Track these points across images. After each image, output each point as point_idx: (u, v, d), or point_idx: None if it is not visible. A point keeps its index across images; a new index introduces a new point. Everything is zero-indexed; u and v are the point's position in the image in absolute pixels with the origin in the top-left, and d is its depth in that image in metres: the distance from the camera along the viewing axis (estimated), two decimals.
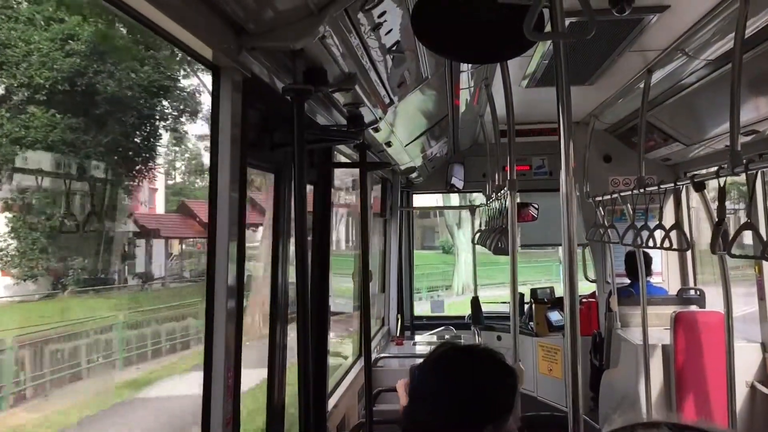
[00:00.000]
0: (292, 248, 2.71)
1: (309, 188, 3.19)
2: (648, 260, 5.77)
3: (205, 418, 1.88)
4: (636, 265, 5.15)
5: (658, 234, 3.93)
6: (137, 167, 12.69)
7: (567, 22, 2.28)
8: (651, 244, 4.00)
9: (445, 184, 7.02)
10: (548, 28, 1.94)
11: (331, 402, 3.72)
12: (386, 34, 2.43)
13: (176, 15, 1.60)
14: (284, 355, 2.72)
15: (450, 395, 1.77)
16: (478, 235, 6.67)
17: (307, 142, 2.14)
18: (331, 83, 2.41)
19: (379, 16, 2.20)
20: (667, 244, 3.84)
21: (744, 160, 2.71)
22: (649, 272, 5.82)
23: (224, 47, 1.85)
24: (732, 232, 2.89)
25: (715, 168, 3.02)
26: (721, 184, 3.04)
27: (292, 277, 2.69)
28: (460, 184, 7.04)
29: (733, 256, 2.95)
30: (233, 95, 1.94)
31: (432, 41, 2.06)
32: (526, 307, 7.03)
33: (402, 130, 4.27)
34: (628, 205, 4.72)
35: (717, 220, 2.99)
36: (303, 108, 2.04)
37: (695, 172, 3.53)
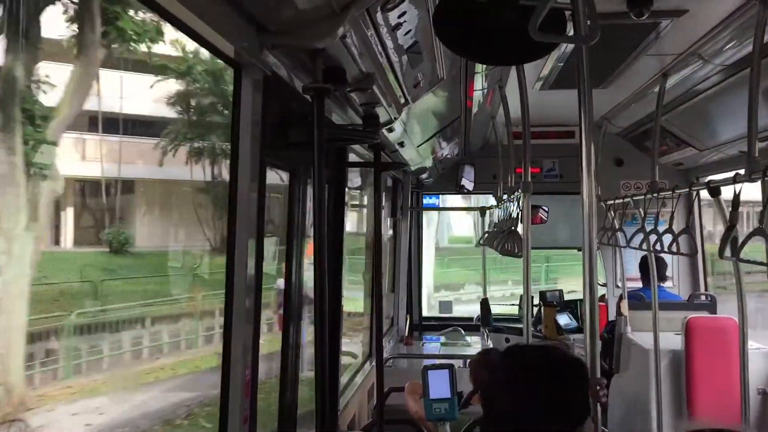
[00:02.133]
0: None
1: None
2: (662, 265, 5.75)
3: (223, 415, 1.88)
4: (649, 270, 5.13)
5: (666, 238, 3.91)
6: None
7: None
8: (659, 248, 3.98)
9: (455, 185, 7.01)
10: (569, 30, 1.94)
11: (342, 401, 3.72)
12: (405, 35, 2.43)
13: (200, 12, 1.61)
14: (297, 354, 2.72)
15: (563, 385, 1.78)
16: (485, 236, 6.66)
17: (325, 142, 2.14)
18: (349, 82, 2.41)
19: (399, 17, 2.20)
20: (675, 248, 3.82)
21: (762, 166, 2.70)
22: (663, 277, 5.80)
23: (246, 45, 1.86)
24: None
25: (732, 173, 3.01)
26: (737, 191, 3.02)
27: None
28: (470, 186, 7.03)
29: (742, 260, 2.93)
30: (254, 93, 1.94)
31: (453, 41, 2.06)
32: (535, 309, 7.02)
33: (415, 130, 4.27)
34: (641, 209, 4.70)
35: (728, 225, 2.97)
36: (323, 107, 2.04)
37: (711, 177, 3.51)
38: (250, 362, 1.95)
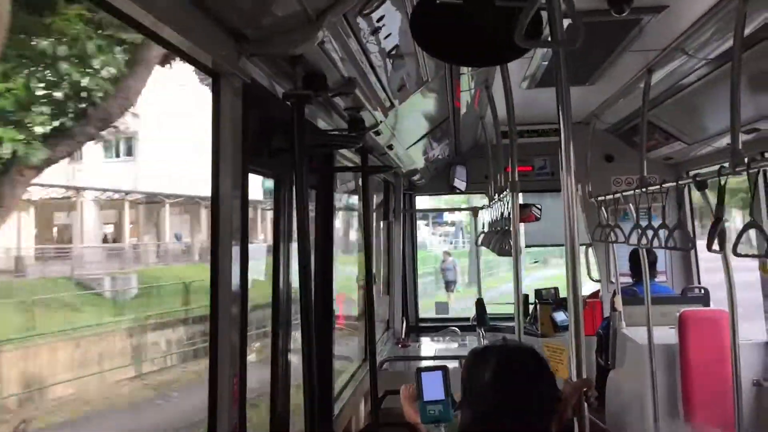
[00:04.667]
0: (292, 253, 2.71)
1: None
2: (653, 259, 5.76)
3: (212, 425, 1.88)
4: (640, 264, 5.15)
5: (662, 233, 3.92)
6: None
7: (566, 23, 2.29)
8: (656, 243, 3.99)
9: (447, 185, 7.02)
10: (546, 30, 1.95)
11: (338, 405, 3.72)
12: (385, 38, 2.43)
13: (175, 23, 1.61)
14: (287, 360, 2.72)
15: (532, 390, 1.80)
16: (481, 236, 6.67)
17: (307, 147, 2.15)
18: (331, 88, 2.42)
19: (378, 20, 2.21)
20: (671, 243, 3.83)
21: (746, 159, 2.71)
22: (653, 272, 5.81)
23: (224, 54, 1.86)
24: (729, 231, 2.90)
25: (717, 167, 3.02)
26: (722, 183, 3.03)
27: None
28: (462, 186, 7.03)
29: (738, 254, 2.94)
30: (233, 101, 1.95)
31: (431, 45, 2.06)
32: (531, 307, 7.03)
33: (403, 132, 4.27)
34: (631, 204, 4.71)
35: (715, 218, 2.99)
36: (303, 113, 2.05)
37: (697, 171, 3.53)
38: (237, 370, 1.95)
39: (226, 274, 1.92)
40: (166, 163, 25.10)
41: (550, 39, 1.90)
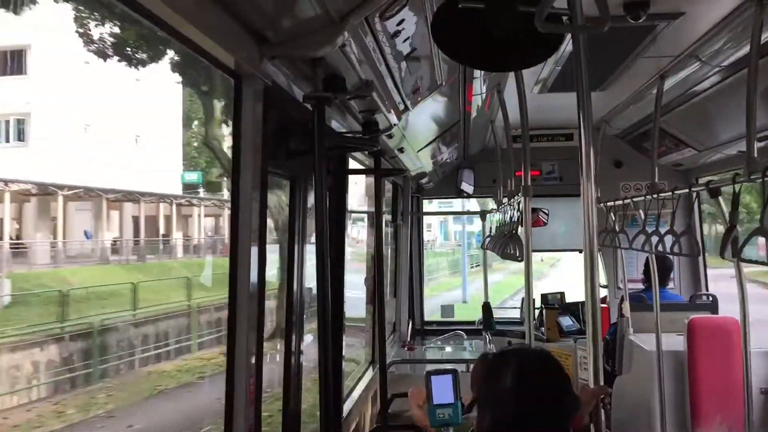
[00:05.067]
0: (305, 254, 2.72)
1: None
2: (668, 267, 5.76)
3: (228, 425, 1.89)
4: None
5: (668, 239, 3.92)
6: None
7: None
8: (661, 249, 3.98)
9: (455, 189, 7.02)
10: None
11: (346, 407, 3.72)
12: (403, 42, 2.44)
13: (200, 24, 1.62)
14: (300, 361, 2.72)
15: (542, 393, 1.80)
16: (488, 240, 6.67)
17: (326, 150, 2.16)
18: (348, 90, 2.42)
19: (398, 24, 2.21)
20: (677, 249, 3.82)
21: (761, 167, 2.70)
22: (666, 279, 5.81)
23: (246, 56, 1.87)
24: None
25: (731, 174, 3.01)
26: (736, 191, 3.03)
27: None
28: (470, 190, 7.04)
29: (743, 260, 2.93)
30: (255, 103, 1.95)
31: (451, 48, 2.07)
32: (537, 312, 7.02)
33: (414, 136, 4.28)
34: (641, 210, 4.71)
35: (728, 226, 2.98)
36: (324, 115, 2.05)
37: (710, 178, 3.52)
38: (254, 371, 1.95)
39: (244, 275, 1.93)
40: (65, 149, 22.10)
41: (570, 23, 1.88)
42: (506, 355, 1.94)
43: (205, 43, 1.71)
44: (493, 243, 6.06)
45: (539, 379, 1.84)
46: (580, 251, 2.47)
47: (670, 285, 6.37)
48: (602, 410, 1.89)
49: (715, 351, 4.50)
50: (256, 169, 1.97)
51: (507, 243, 4.76)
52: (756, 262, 3.61)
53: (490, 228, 7.11)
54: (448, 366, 3.23)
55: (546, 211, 6.51)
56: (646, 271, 5.81)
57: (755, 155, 2.74)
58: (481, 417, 1.86)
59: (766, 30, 2.79)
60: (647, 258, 5.73)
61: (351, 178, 3.57)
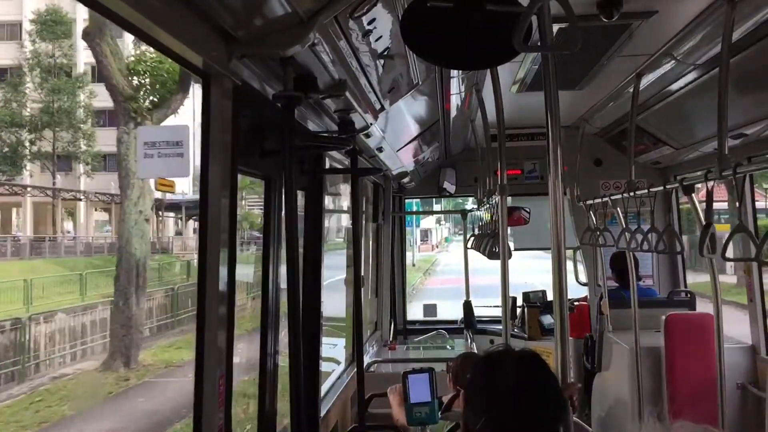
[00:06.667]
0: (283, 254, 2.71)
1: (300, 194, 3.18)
2: (636, 263, 5.80)
3: (197, 426, 1.88)
4: (623, 268, 5.18)
5: (651, 237, 3.95)
6: None
7: (555, 28, 2.30)
8: (645, 247, 4.02)
9: (437, 188, 7.04)
10: (536, 35, 1.96)
11: (324, 407, 3.72)
12: (376, 41, 2.44)
13: (166, 24, 1.60)
14: (276, 362, 2.71)
15: (537, 393, 1.81)
16: (471, 239, 6.69)
17: (297, 149, 2.15)
18: (321, 90, 2.42)
19: (369, 23, 2.21)
20: (661, 246, 3.85)
21: (732, 164, 2.73)
22: (636, 275, 5.85)
23: (214, 55, 1.86)
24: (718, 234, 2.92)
25: (704, 171, 3.05)
26: (709, 188, 3.06)
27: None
28: (452, 189, 7.06)
29: (727, 259, 2.96)
30: (223, 102, 1.94)
31: (421, 47, 2.07)
32: (519, 310, 7.05)
33: (393, 135, 4.28)
34: (619, 208, 4.74)
35: (705, 223, 3.01)
36: (293, 115, 2.04)
37: (685, 175, 3.55)
38: (224, 371, 1.94)
39: (213, 274, 1.92)
40: None
41: (539, 44, 1.91)
42: (501, 356, 1.94)
43: (173, 43, 1.69)
44: (477, 242, 6.08)
45: (537, 381, 1.84)
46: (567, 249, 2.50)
47: (648, 282, 6.43)
48: (570, 408, 1.90)
49: (691, 347, 4.55)
50: (225, 168, 1.96)
51: (491, 242, 4.78)
52: (736, 260, 3.63)
53: (473, 227, 7.14)
54: (430, 365, 3.24)
55: (528, 210, 6.54)
56: (617, 268, 5.84)
57: (726, 153, 2.77)
58: (470, 417, 1.85)
59: (738, 28, 2.82)
60: (612, 256, 5.78)
61: (343, 178, 3.57)
